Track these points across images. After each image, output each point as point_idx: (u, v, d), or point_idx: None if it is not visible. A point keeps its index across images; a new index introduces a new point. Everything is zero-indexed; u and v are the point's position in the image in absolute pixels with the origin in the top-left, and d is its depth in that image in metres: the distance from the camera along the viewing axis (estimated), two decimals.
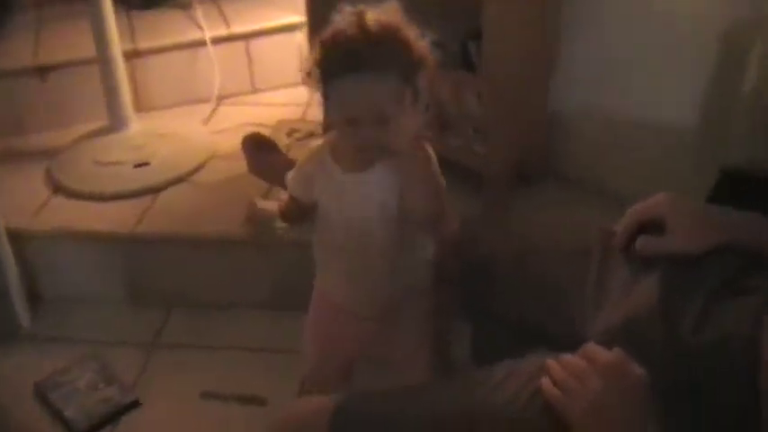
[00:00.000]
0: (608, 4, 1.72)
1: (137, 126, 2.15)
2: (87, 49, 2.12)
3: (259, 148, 1.89)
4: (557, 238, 1.18)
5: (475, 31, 1.71)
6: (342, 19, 1.07)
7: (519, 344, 1.06)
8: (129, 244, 1.84)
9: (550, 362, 0.87)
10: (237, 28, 2.35)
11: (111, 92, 2.10)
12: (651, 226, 0.96)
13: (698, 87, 1.62)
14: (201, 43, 2.30)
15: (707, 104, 1.62)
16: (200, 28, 2.33)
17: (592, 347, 0.83)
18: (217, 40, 2.31)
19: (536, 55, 1.76)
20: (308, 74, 1.09)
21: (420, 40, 1.10)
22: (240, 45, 2.36)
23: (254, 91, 2.40)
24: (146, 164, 2.02)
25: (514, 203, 1.76)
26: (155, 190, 1.95)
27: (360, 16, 1.06)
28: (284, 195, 1.25)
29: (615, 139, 1.81)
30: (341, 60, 1.04)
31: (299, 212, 1.23)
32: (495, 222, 1.61)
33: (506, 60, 1.64)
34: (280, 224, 1.21)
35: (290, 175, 1.22)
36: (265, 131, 2.04)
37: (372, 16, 1.07)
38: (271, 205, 1.21)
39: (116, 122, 2.13)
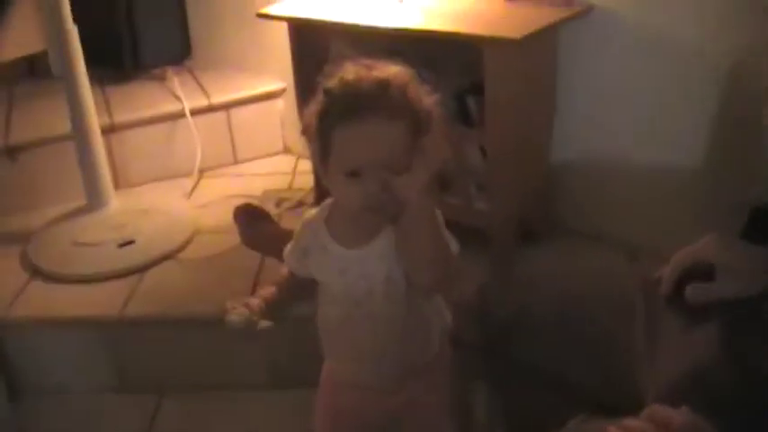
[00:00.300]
0: (603, 51, 1.75)
1: (117, 204, 2.13)
2: (59, 126, 2.09)
3: (252, 219, 1.86)
4: (582, 290, 1.19)
5: (471, 86, 1.72)
6: (348, 71, 1.07)
7: (553, 405, 1.04)
8: (115, 328, 1.79)
9: (614, 429, 0.82)
10: (217, 98, 2.35)
11: (88, 168, 2.07)
12: (697, 271, 0.94)
13: (703, 126, 1.64)
14: (180, 115, 2.29)
15: (713, 144, 1.63)
16: (179, 99, 2.32)
17: (659, 409, 0.79)
18: (196, 111, 2.31)
19: (536, 106, 1.77)
20: (306, 129, 1.09)
21: (428, 96, 1.10)
22: (220, 116, 2.35)
23: (237, 162, 2.39)
24: (130, 242, 1.99)
25: (521, 259, 1.74)
26: (141, 269, 1.92)
27: (369, 66, 1.06)
28: (284, 270, 1.23)
29: (618, 187, 1.81)
30: (348, 105, 1.04)
31: (301, 287, 1.21)
32: (510, 279, 1.59)
33: (508, 113, 1.63)
34: (262, 324, 1.17)
35: (288, 249, 1.20)
36: (252, 203, 2.02)
37: (381, 67, 1.07)
38: (242, 309, 1.16)
39: (95, 201, 2.11)
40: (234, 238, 1.94)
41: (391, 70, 1.07)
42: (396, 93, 1.04)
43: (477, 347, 1.34)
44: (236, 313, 1.16)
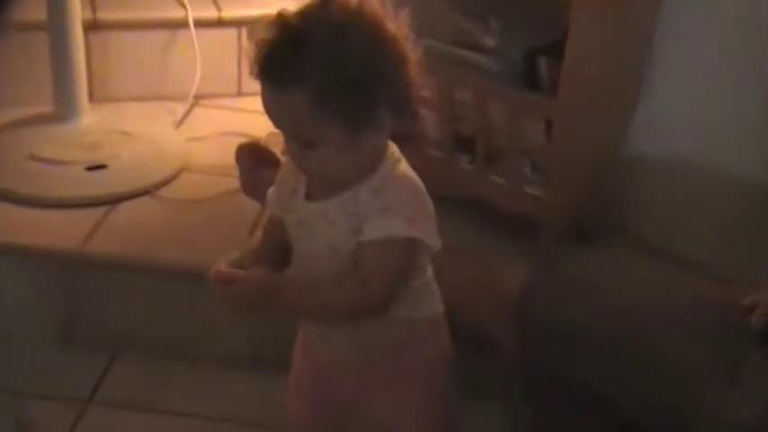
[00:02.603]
0: (711, 34, 1.74)
1: (90, 118, 2.13)
2: (32, 11, 2.08)
3: (257, 162, 1.84)
4: (637, 304, 1.21)
5: (546, 46, 1.73)
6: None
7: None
8: (72, 266, 1.80)
9: None
10: (229, 11, 2.34)
11: (60, 69, 2.07)
12: None
13: None
14: (181, 24, 2.28)
15: None
16: (182, 4, 2.31)
17: None
18: (202, 23, 2.30)
19: (622, 81, 1.77)
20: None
21: (402, 36, 1.13)
22: (230, 33, 2.34)
23: (241, 93, 2.38)
24: (101, 167, 2.00)
25: (572, 260, 1.76)
26: (111, 201, 1.93)
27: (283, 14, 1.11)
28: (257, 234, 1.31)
29: (697, 195, 1.82)
30: (257, 60, 1.11)
31: (283, 244, 1.25)
32: (557, 281, 1.61)
33: (589, 82, 1.65)
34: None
35: (270, 189, 1.27)
36: (260, 143, 1.98)
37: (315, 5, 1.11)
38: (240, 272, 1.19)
39: (64, 110, 2.11)
40: (229, 182, 1.94)
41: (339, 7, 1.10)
42: (313, 47, 1.07)
43: (511, 355, 1.36)
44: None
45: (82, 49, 2.09)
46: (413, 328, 1.25)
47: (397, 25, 1.12)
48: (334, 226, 1.16)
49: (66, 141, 2.06)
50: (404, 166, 1.18)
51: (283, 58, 1.08)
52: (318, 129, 1.10)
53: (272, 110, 1.12)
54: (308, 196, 1.20)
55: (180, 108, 2.30)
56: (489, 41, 1.79)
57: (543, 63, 1.74)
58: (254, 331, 1.79)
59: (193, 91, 2.31)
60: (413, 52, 1.13)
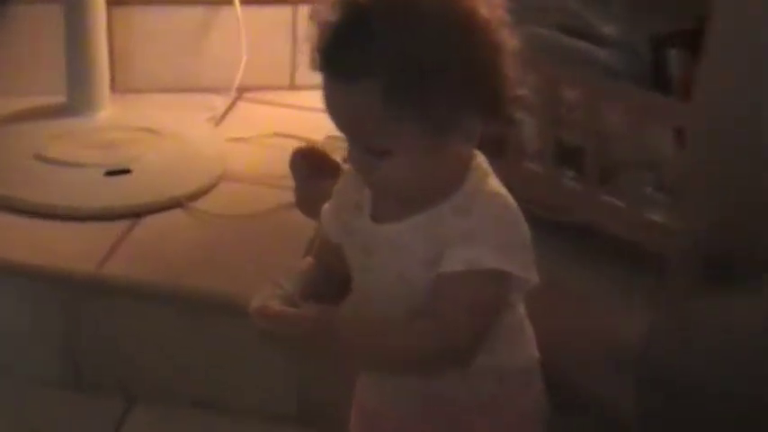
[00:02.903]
0: None
1: (111, 112, 2.16)
2: None
3: (316, 172, 1.85)
4: None
5: (677, 35, 1.71)
6: None
7: None
8: (84, 293, 1.82)
9: None
10: None
11: (75, 51, 2.11)
12: None
13: None
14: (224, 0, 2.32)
15: None
16: None
17: None
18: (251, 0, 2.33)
19: None
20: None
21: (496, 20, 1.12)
22: (283, 12, 2.38)
23: (295, 87, 2.42)
24: (123, 171, 2.02)
25: (707, 303, 1.68)
26: (133, 213, 1.95)
27: None
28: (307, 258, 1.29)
29: None
30: (319, 48, 1.11)
31: (338, 272, 1.25)
32: (688, 328, 1.59)
33: (731, 84, 1.62)
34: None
35: (326, 206, 1.27)
36: (320, 149, 1.99)
37: None
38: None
39: (79, 101, 2.14)
40: (279, 194, 1.96)
41: None
42: (390, 31, 1.07)
43: (627, 413, 1.36)
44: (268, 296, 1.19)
45: (103, 28, 2.12)
46: (503, 381, 1.23)
47: (491, 7, 1.11)
48: (407, 254, 1.15)
49: (80, 139, 2.09)
50: (494, 182, 1.17)
51: (350, 44, 1.08)
52: (392, 132, 1.09)
53: (335, 108, 1.11)
54: (375, 216, 1.19)
55: (220, 102, 2.33)
56: (609, 29, 1.76)
57: (674, 57, 1.71)
58: (303, 379, 1.80)
59: (237, 82, 2.33)
60: (509, 41, 1.12)
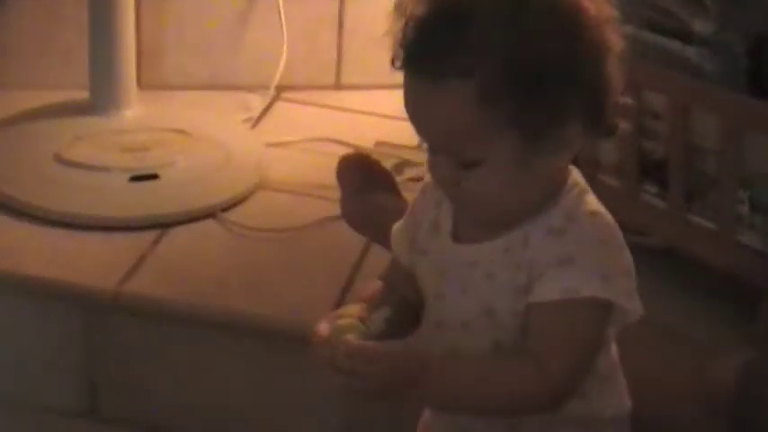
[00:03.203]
0: None
1: (138, 111, 2.17)
2: None
3: (366, 181, 1.85)
4: None
5: None
6: None
7: None
8: (104, 313, 1.81)
9: None
10: None
11: (99, 43, 2.11)
12: None
13: None
14: None
15: None
16: None
17: None
18: None
19: None
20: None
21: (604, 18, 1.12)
22: (331, 4, 2.38)
23: (341, 86, 2.44)
24: (150, 177, 2.02)
25: None
26: (161, 224, 1.95)
27: None
28: (376, 282, 1.28)
29: None
30: (405, 43, 1.10)
31: (410, 300, 1.23)
32: None
33: None
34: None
35: (399, 223, 1.27)
36: (370, 156, 2.00)
37: None
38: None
39: (103, 98, 2.14)
40: (323, 206, 1.96)
41: None
42: (482, 34, 1.06)
43: None
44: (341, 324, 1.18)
45: (130, 18, 2.12)
46: (589, 431, 1.21)
47: (598, 3, 1.10)
48: (492, 280, 1.14)
49: (104, 140, 2.09)
50: (593, 201, 1.15)
51: (441, 41, 1.07)
52: (485, 140, 1.08)
53: (420, 111, 1.10)
54: (457, 236, 1.18)
55: (257, 102, 2.34)
56: (701, 25, 1.75)
57: None
58: (347, 408, 1.77)
59: (276, 80, 2.34)
60: (617, 41, 1.11)
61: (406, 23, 1.10)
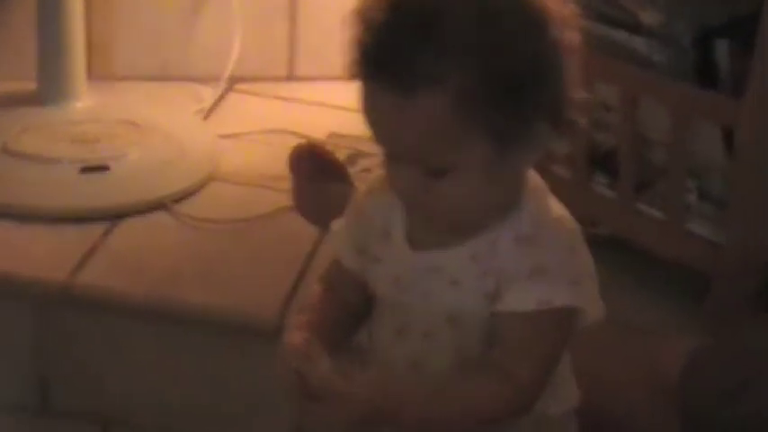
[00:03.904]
0: None
1: (88, 102, 2.16)
2: None
3: (318, 171, 1.87)
4: None
5: (726, 26, 1.71)
6: None
7: None
8: (54, 306, 1.80)
9: None
10: None
11: (48, 33, 2.10)
12: None
13: None
14: None
15: None
16: None
17: None
18: None
19: None
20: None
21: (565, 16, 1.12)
22: None
23: (293, 77, 2.44)
24: (100, 168, 2.01)
25: (760, 332, 1.68)
26: (111, 216, 1.94)
27: None
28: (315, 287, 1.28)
29: None
30: (365, 50, 1.08)
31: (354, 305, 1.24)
32: (740, 358, 1.57)
33: None
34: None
35: (341, 220, 1.28)
36: (322, 146, 2.02)
37: None
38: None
39: (52, 89, 2.13)
40: (275, 196, 1.96)
41: None
42: (453, 38, 1.04)
43: None
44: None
45: (80, 7, 2.11)
46: (540, 429, 1.22)
47: (560, 2, 1.11)
48: (458, 286, 1.13)
49: (53, 132, 2.08)
50: (555, 204, 1.17)
51: (407, 48, 1.04)
52: (457, 147, 1.07)
53: (386, 124, 1.08)
54: (413, 243, 1.17)
55: (209, 93, 2.33)
56: (649, 17, 1.76)
57: (723, 49, 1.71)
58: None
59: (228, 71, 2.33)
60: (577, 40, 1.11)
61: (366, 30, 1.07)
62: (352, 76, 1.09)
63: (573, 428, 1.26)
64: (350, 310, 1.24)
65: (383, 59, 1.05)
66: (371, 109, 1.08)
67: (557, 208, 1.16)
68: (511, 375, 1.10)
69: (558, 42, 1.09)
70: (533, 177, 1.17)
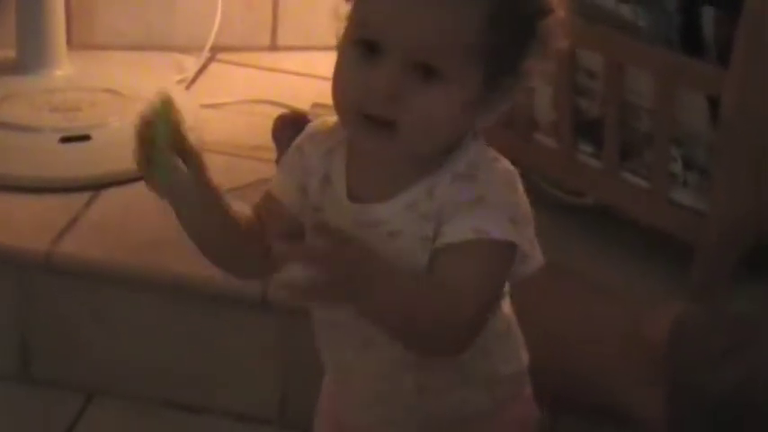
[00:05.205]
0: None
1: (68, 70, 2.16)
2: None
3: None
4: None
5: None
6: None
7: None
8: (36, 274, 1.81)
9: None
10: None
11: (27, 3, 2.08)
12: None
13: None
14: None
15: None
16: None
17: None
18: None
19: None
20: None
21: None
22: None
23: (276, 47, 2.43)
24: (81, 138, 2.00)
25: (742, 298, 1.73)
26: (93, 186, 1.94)
27: None
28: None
29: None
30: None
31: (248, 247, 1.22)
32: (723, 325, 1.58)
33: None
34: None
35: (285, 156, 1.26)
36: (305, 114, 2.01)
37: None
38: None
39: (32, 57, 2.13)
40: (258, 166, 1.96)
41: None
42: None
43: (655, 421, 1.38)
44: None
45: None
46: (493, 389, 1.23)
47: None
48: (395, 238, 1.12)
49: (32, 100, 2.07)
50: (492, 150, 1.15)
51: None
52: (462, 55, 1.06)
53: (407, 6, 1.05)
54: (352, 194, 1.15)
55: (191, 63, 2.32)
56: None
57: (709, 16, 1.70)
58: (285, 370, 1.79)
59: (210, 40, 2.32)
60: (560, 7, 1.12)
61: None
62: None
63: (527, 388, 1.27)
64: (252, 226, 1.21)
65: None
66: None
67: (493, 152, 1.14)
68: (457, 300, 1.07)
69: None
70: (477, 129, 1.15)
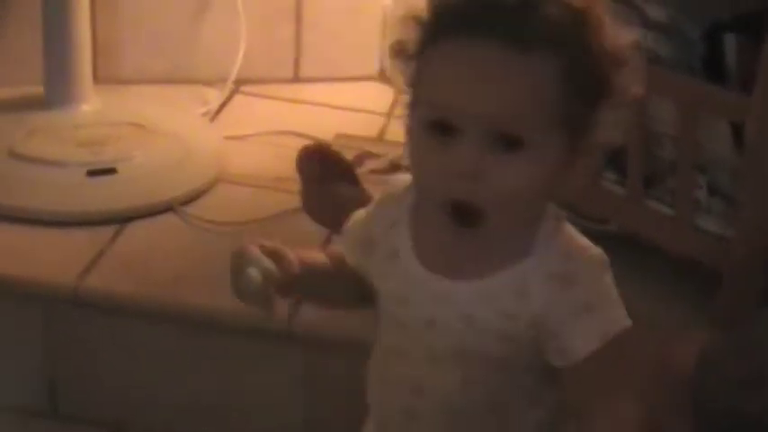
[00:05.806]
0: None
1: (95, 105, 2.15)
2: None
3: (326, 172, 1.87)
4: None
5: (735, 20, 1.70)
6: None
7: None
8: (62, 309, 1.82)
9: None
10: None
11: (54, 36, 2.09)
12: None
13: None
14: None
15: None
16: None
17: None
18: None
19: None
20: (399, 44, 1.10)
21: (616, 34, 1.09)
22: None
23: (299, 79, 2.43)
24: (108, 171, 2.01)
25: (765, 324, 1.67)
26: (119, 219, 1.95)
27: None
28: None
29: None
30: (466, 9, 1.04)
31: (352, 282, 1.21)
32: (753, 353, 1.56)
33: None
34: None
35: (351, 222, 1.24)
36: (331, 147, 2.03)
37: None
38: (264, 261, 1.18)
39: (59, 92, 2.12)
40: (283, 198, 1.97)
41: None
42: (556, 10, 1.03)
43: None
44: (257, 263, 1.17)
45: (86, 11, 2.11)
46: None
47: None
48: (470, 321, 1.10)
49: (59, 135, 2.07)
50: (571, 228, 1.13)
51: (521, 7, 1.02)
52: (544, 121, 1.03)
53: (479, 79, 1.03)
54: (424, 260, 1.12)
55: (215, 95, 2.33)
56: (656, 11, 1.76)
57: (731, 43, 1.70)
58: (313, 402, 1.78)
59: (234, 73, 2.33)
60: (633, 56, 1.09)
61: None
62: (431, 33, 1.06)
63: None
64: (345, 277, 1.21)
65: (497, 11, 1.03)
66: (458, 64, 1.04)
67: (575, 234, 1.13)
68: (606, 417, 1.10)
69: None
70: (551, 205, 1.12)
